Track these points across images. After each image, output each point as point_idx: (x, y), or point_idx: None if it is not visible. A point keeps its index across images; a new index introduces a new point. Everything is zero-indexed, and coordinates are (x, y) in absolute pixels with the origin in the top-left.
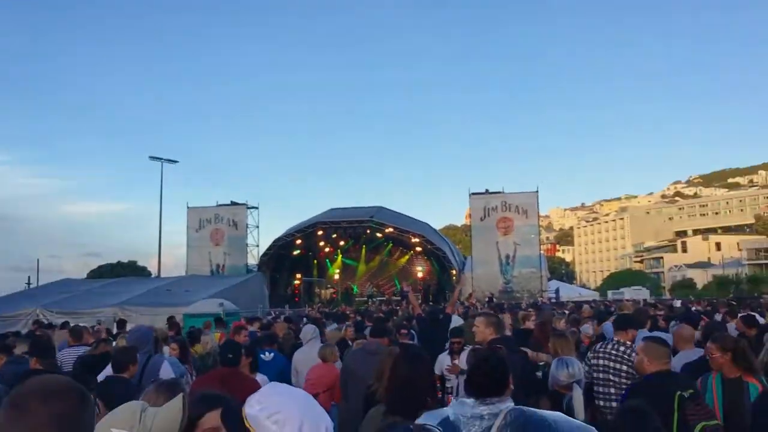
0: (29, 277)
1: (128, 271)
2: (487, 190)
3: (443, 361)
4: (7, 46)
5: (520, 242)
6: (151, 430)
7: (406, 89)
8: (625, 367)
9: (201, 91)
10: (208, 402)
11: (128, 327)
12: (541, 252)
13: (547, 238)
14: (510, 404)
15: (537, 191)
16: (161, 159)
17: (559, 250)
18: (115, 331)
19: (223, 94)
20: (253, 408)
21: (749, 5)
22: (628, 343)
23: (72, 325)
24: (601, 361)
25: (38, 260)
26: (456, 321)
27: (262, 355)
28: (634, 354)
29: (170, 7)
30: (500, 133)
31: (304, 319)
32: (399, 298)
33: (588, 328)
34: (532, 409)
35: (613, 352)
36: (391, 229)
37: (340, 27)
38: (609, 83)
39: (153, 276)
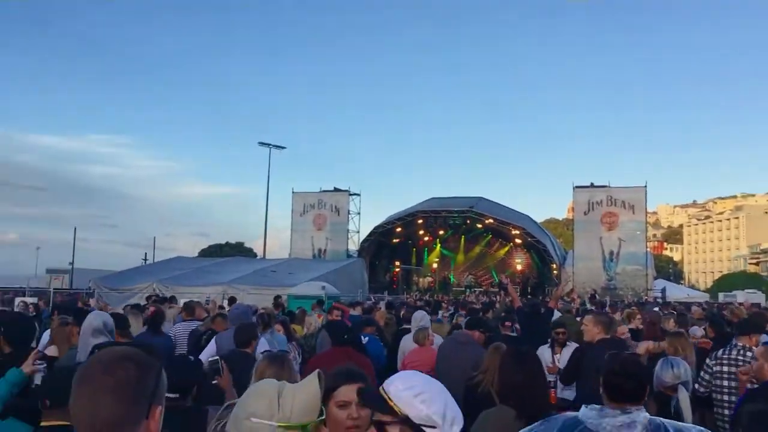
0: (146, 253)
1: (235, 251)
2: (592, 184)
3: (543, 354)
4: (124, 35)
5: (625, 238)
6: (291, 414)
7: (510, 79)
8: None
9: (310, 81)
10: (345, 376)
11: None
12: (648, 249)
13: (654, 236)
14: (645, 414)
15: (645, 186)
16: (270, 145)
17: (666, 249)
18: (226, 307)
19: (332, 84)
20: (398, 387)
21: None
22: (755, 348)
23: (185, 301)
24: (725, 368)
25: (155, 238)
26: (557, 316)
27: None
28: None
29: None
30: (607, 125)
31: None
32: (496, 289)
33: (696, 330)
34: (670, 421)
35: (740, 358)
36: (491, 220)
37: (459, 20)
38: (726, 75)
39: (258, 257)
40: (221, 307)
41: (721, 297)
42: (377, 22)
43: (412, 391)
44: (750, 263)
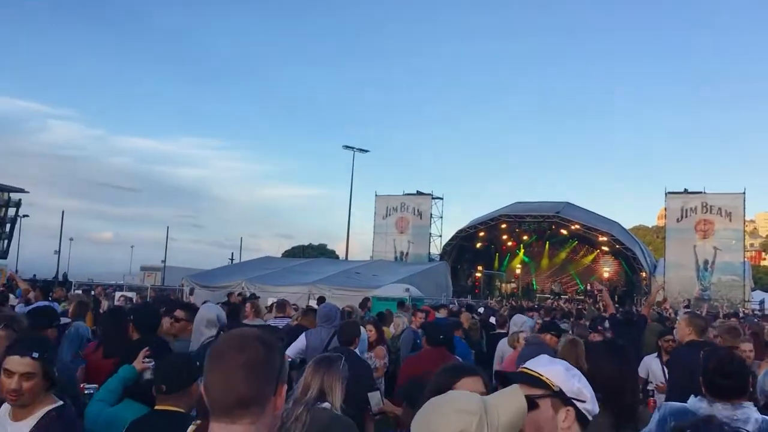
0: (232, 253)
1: (318, 252)
2: (685, 190)
3: (651, 364)
4: (215, 39)
5: (721, 247)
6: (499, 426)
7: (598, 80)
8: None
9: (396, 85)
10: (465, 370)
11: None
12: (745, 259)
13: (752, 245)
14: (757, 412)
15: (744, 193)
16: (353, 148)
17: (764, 259)
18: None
19: (417, 88)
20: (547, 366)
21: None
22: None
23: (273, 299)
24: None
25: (241, 238)
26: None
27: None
28: None
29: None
30: (701, 128)
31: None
32: (582, 297)
33: None
34: None
35: None
36: (577, 226)
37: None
38: None
39: (340, 259)
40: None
41: None
42: (462, 25)
43: (562, 365)
44: None
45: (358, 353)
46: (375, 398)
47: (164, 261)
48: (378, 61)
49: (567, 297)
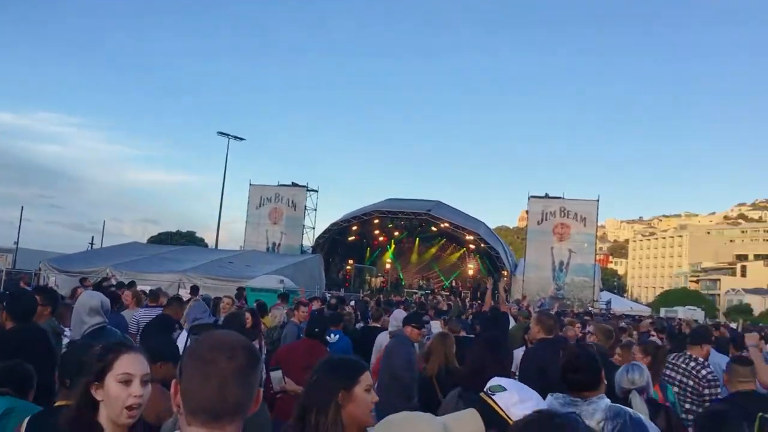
0: (93, 237)
1: (186, 240)
2: (546, 194)
3: (517, 356)
4: (82, 11)
5: (575, 250)
6: None
7: (472, 88)
8: (692, 383)
9: (274, 75)
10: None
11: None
12: (596, 262)
13: (600, 249)
14: (606, 401)
15: (598, 200)
16: (228, 135)
17: (611, 262)
18: (187, 296)
19: (295, 79)
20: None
21: None
22: (701, 359)
23: (142, 287)
24: (668, 372)
25: (104, 222)
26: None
27: (327, 336)
28: (704, 370)
29: None
30: (561, 138)
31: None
32: (447, 293)
33: (656, 341)
34: (631, 409)
35: (683, 365)
36: (446, 225)
37: (417, 19)
38: (678, 97)
39: (210, 248)
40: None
41: (663, 312)
42: (348, 20)
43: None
44: (690, 281)
45: None
46: (276, 377)
47: (17, 243)
48: (261, 52)
49: (431, 291)
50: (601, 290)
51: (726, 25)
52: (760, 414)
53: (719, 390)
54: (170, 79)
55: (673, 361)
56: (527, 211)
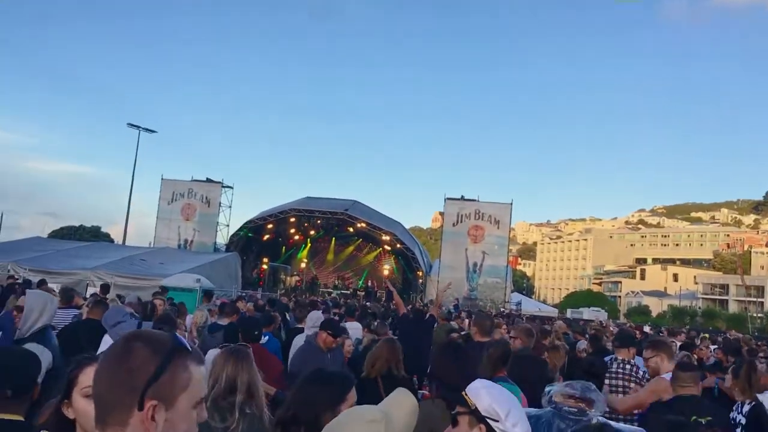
0: None
1: (90, 235)
2: (462, 197)
3: None
4: None
5: (488, 252)
6: (400, 428)
7: (391, 86)
8: (633, 385)
9: (188, 69)
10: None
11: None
12: (508, 264)
13: (510, 251)
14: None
15: (511, 203)
16: (139, 127)
17: (520, 264)
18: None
19: (209, 74)
20: (474, 383)
21: (732, 40)
22: (633, 361)
23: (50, 284)
24: (608, 381)
25: (1, 214)
26: None
27: None
28: (641, 371)
29: None
30: (474, 140)
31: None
32: (362, 293)
33: (582, 344)
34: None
35: (620, 370)
36: (363, 224)
37: (331, 21)
38: (587, 105)
39: (117, 243)
40: (93, 295)
41: (569, 313)
42: (264, 13)
43: (481, 383)
44: (594, 283)
45: None
46: None
47: None
48: (175, 45)
49: (349, 292)
50: (512, 292)
51: (629, 31)
52: (694, 417)
53: None
54: (78, 70)
55: (617, 369)
56: (442, 213)
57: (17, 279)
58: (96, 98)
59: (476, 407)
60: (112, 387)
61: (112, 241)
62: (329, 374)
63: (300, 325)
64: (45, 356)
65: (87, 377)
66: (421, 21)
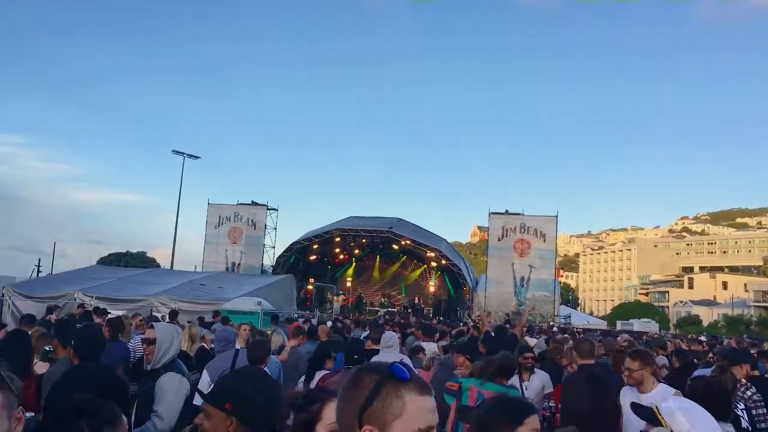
0: (39, 259)
1: (137, 261)
2: (507, 211)
3: (513, 382)
4: (24, 28)
5: (535, 265)
6: None
7: (434, 107)
8: (741, 405)
9: (230, 93)
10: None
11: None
12: (556, 277)
13: None
14: None
15: (557, 216)
16: (184, 154)
17: (563, 276)
18: (167, 320)
19: (252, 96)
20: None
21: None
22: (743, 380)
23: (117, 311)
24: (760, 410)
25: (54, 244)
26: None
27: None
28: (749, 391)
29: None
30: (511, 154)
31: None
32: (409, 311)
33: (661, 360)
34: None
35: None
36: (407, 242)
37: (372, 41)
38: (622, 111)
39: (166, 268)
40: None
41: (619, 325)
42: (300, 34)
43: (676, 403)
44: (640, 293)
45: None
46: None
47: None
48: (216, 68)
49: (396, 310)
50: (560, 305)
51: (666, 29)
52: None
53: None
54: (122, 99)
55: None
56: (481, 228)
57: (88, 307)
58: (141, 126)
59: (671, 429)
60: (342, 414)
61: (158, 265)
62: (510, 399)
63: (375, 346)
64: (183, 384)
65: (330, 413)
66: (462, 38)
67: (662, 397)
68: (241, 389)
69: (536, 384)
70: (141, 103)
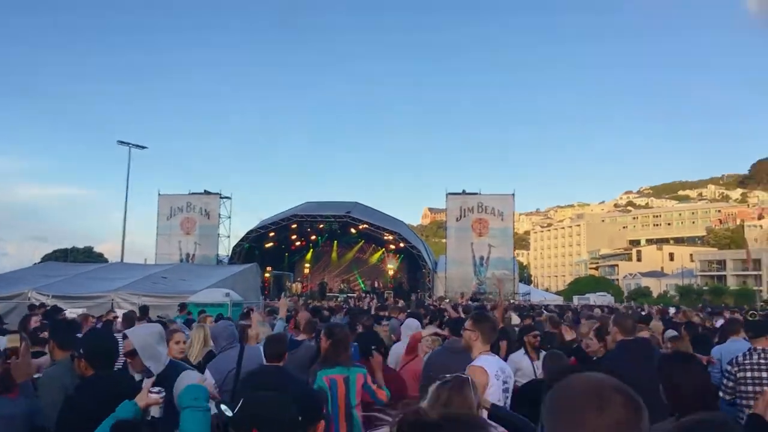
0: None
1: (84, 256)
2: (464, 191)
3: (522, 362)
4: None
5: (494, 244)
6: None
7: (383, 91)
8: None
9: (176, 82)
10: None
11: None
12: (514, 255)
13: None
14: None
15: (513, 194)
16: (129, 144)
17: (518, 255)
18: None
19: (199, 85)
20: None
21: (713, 27)
22: None
23: (76, 309)
24: (749, 374)
25: None
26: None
27: None
28: None
29: None
30: (459, 137)
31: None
32: (365, 295)
33: (671, 332)
34: None
35: (762, 362)
36: (365, 226)
37: (325, 21)
38: (564, 89)
39: (114, 262)
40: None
41: (575, 300)
42: (251, 21)
43: None
44: (590, 268)
45: None
46: None
47: None
48: (158, 60)
49: (354, 295)
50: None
51: (610, 12)
52: None
53: None
54: (62, 90)
55: (748, 361)
56: (430, 209)
57: (47, 307)
58: (84, 118)
59: None
60: None
61: (106, 260)
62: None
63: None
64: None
65: None
66: (409, 18)
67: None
68: (268, 412)
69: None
70: (83, 93)
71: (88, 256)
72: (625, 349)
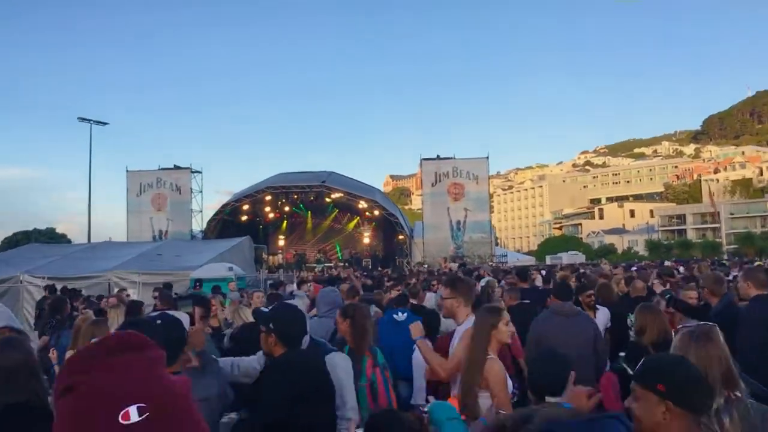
0: None
1: (46, 238)
2: (438, 156)
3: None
4: None
5: (470, 208)
6: None
7: (359, 60)
8: None
9: (142, 57)
10: None
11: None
12: (490, 218)
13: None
14: None
15: (488, 157)
16: (90, 120)
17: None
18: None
19: (165, 57)
20: None
21: None
22: None
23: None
24: None
25: None
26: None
27: (395, 315)
28: None
29: None
30: (414, 100)
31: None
32: (343, 264)
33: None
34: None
35: None
36: (340, 194)
37: None
38: (511, 52)
39: (77, 243)
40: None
41: (548, 260)
42: None
43: None
44: (554, 227)
45: None
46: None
47: None
48: (116, 31)
49: (331, 265)
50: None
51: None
52: None
53: None
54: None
55: None
56: (392, 176)
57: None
58: (41, 95)
59: None
60: None
61: (69, 241)
62: None
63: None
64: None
65: None
66: None
67: None
68: (677, 370)
69: (602, 320)
70: (42, 69)
71: (50, 237)
72: (763, 302)
